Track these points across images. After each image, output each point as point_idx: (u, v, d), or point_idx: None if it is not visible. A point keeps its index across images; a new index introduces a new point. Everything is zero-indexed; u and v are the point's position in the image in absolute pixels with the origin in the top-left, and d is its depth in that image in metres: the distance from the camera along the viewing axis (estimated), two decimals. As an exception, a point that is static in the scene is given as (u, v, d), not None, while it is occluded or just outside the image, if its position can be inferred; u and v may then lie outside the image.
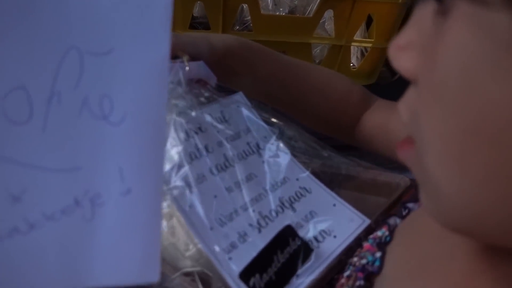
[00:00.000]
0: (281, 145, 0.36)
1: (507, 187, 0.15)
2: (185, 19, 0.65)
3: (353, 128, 0.42)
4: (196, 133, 0.32)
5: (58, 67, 0.19)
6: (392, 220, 0.31)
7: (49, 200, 0.18)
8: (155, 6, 0.22)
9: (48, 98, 0.18)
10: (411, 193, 0.32)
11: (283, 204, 0.33)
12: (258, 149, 0.35)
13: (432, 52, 0.17)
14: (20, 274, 0.17)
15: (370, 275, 0.27)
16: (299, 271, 0.29)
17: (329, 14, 0.66)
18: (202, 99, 0.35)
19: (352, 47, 0.67)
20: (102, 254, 0.19)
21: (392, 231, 0.30)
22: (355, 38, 0.65)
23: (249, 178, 0.33)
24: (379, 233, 0.30)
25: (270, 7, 0.69)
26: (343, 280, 0.29)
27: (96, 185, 0.20)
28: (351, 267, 0.29)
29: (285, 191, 0.34)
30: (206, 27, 0.69)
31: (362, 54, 0.71)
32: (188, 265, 0.32)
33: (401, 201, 0.35)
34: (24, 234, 0.18)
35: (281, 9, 0.69)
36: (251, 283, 0.27)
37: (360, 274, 0.28)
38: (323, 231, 0.31)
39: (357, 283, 0.28)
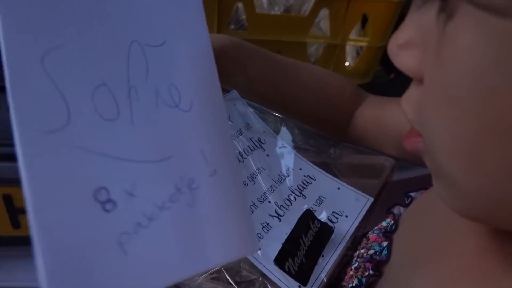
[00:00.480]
0: (283, 138, 0.38)
1: (504, 181, 0.16)
2: None
3: (347, 125, 0.44)
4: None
5: (127, 62, 0.19)
6: (396, 210, 0.32)
7: (157, 191, 0.18)
8: (189, 3, 0.23)
9: (128, 92, 0.18)
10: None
11: (293, 192, 0.35)
12: (260, 144, 0.37)
13: (438, 51, 0.16)
14: (151, 265, 0.17)
15: (378, 264, 0.28)
16: (324, 251, 0.31)
17: (324, 13, 0.66)
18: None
19: (347, 46, 0.67)
20: (210, 235, 0.19)
21: (396, 220, 0.31)
22: (351, 37, 0.66)
23: (259, 171, 0.34)
24: (384, 224, 0.32)
25: (265, 6, 0.68)
26: (351, 273, 0.30)
27: (188, 170, 0.20)
28: (358, 260, 0.30)
29: (292, 180, 0.35)
30: None
31: (358, 53, 0.71)
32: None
33: (391, 181, 0.39)
34: (147, 227, 0.17)
35: (276, 8, 0.68)
36: (286, 267, 0.29)
37: (368, 265, 0.29)
38: (335, 212, 0.34)
39: (366, 273, 0.28)
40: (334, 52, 0.67)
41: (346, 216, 0.34)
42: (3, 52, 0.15)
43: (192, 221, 0.19)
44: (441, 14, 0.16)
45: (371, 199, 0.35)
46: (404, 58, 0.19)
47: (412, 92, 0.20)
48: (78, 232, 0.15)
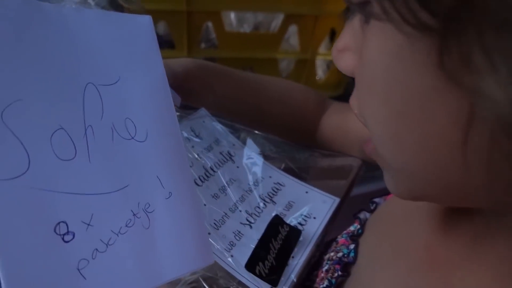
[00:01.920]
0: (250, 149, 0.40)
1: (434, 156, 0.18)
2: None
3: (314, 133, 0.46)
4: (176, 150, 0.35)
5: (83, 103, 0.21)
6: (362, 215, 0.35)
7: (114, 218, 0.21)
8: (142, 32, 0.25)
9: (84, 132, 0.20)
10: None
11: (264, 200, 0.37)
12: (230, 157, 0.39)
13: (362, 53, 0.19)
14: (109, 285, 0.19)
15: (346, 266, 0.30)
16: (293, 253, 0.33)
17: (293, 29, 0.68)
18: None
19: (317, 60, 0.69)
20: (166, 251, 0.22)
21: (363, 224, 0.34)
22: (320, 51, 0.68)
23: (229, 183, 0.37)
24: (351, 228, 0.34)
25: (234, 24, 0.70)
26: (322, 275, 0.32)
27: (144, 196, 0.22)
28: (329, 262, 0.32)
29: (262, 188, 0.38)
30: (171, 45, 0.68)
31: (328, 66, 0.73)
32: (188, 275, 0.35)
33: (357, 180, 0.41)
34: (104, 252, 0.19)
35: (245, 25, 0.70)
36: (257, 271, 0.31)
37: (337, 266, 0.31)
38: (304, 215, 0.36)
39: (335, 274, 0.31)
40: (305, 67, 0.69)
41: (314, 218, 0.36)
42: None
43: (147, 241, 0.21)
44: (362, 21, 0.19)
45: (337, 200, 0.37)
46: (342, 61, 0.22)
47: (354, 91, 0.23)
48: (40, 263, 0.18)
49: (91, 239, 0.19)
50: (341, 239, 0.34)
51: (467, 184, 0.18)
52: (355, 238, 0.32)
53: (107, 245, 0.20)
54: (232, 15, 0.70)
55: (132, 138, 0.23)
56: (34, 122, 0.19)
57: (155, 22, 0.69)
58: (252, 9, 0.67)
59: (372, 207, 0.35)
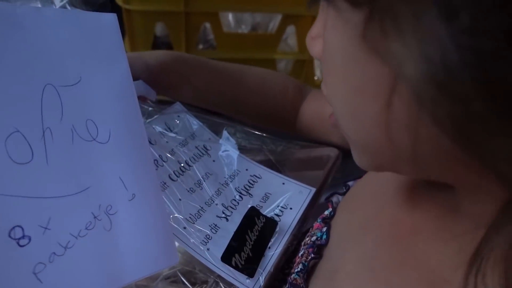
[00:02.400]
0: (225, 142, 0.40)
1: (374, 128, 0.19)
2: (148, 40, 0.64)
3: (294, 121, 0.46)
4: (149, 146, 0.35)
5: (41, 105, 0.20)
6: (335, 198, 0.35)
7: (73, 221, 0.20)
8: (105, 31, 0.25)
9: (42, 134, 0.20)
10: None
11: (240, 193, 0.37)
12: (206, 150, 0.39)
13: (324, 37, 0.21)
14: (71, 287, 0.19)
15: (319, 248, 0.31)
16: (270, 244, 0.33)
17: (291, 29, 0.68)
18: (145, 114, 0.37)
19: (315, 60, 0.69)
20: (129, 252, 0.22)
21: (335, 208, 0.34)
22: None
23: (205, 177, 0.37)
24: (326, 212, 0.34)
25: (232, 25, 0.70)
26: (298, 260, 0.32)
27: (106, 197, 0.22)
28: (304, 247, 0.33)
29: (239, 181, 0.38)
30: (169, 46, 0.68)
31: None
32: (166, 270, 0.35)
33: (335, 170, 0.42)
34: (62, 255, 0.19)
35: (243, 26, 0.70)
36: (233, 263, 0.31)
37: (310, 250, 0.31)
38: (281, 206, 0.36)
39: (309, 257, 0.31)
40: (303, 67, 0.70)
41: (291, 209, 0.36)
42: None
43: (109, 243, 0.21)
44: (325, 7, 0.20)
45: (313, 190, 0.37)
46: (313, 47, 0.24)
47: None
48: None
49: (48, 243, 0.19)
50: (316, 224, 0.34)
51: (397, 155, 0.19)
52: (327, 221, 0.33)
53: (65, 248, 0.20)
54: (230, 16, 0.71)
55: (94, 139, 0.22)
56: None
57: (154, 23, 0.68)
58: (250, 10, 0.67)
59: (344, 190, 0.35)
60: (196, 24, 0.63)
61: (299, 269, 0.31)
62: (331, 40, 0.20)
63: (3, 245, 0.18)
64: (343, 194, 0.35)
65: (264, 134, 0.42)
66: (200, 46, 0.70)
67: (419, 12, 0.13)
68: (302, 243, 0.34)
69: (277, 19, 0.67)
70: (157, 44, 0.70)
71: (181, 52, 0.40)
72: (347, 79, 0.19)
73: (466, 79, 0.13)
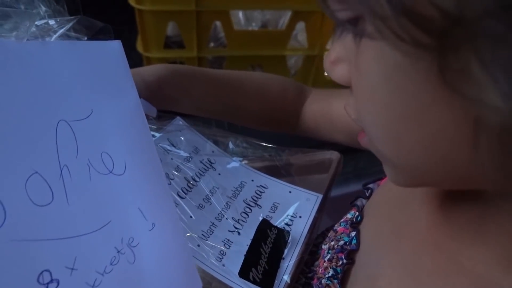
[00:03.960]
0: (229, 154, 0.40)
1: (439, 152, 0.19)
2: (159, 40, 0.65)
3: (296, 122, 0.46)
4: (155, 165, 0.34)
5: (56, 143, 0.20)
6: (359, 202, 0.35)
7: (98, 258, 0.20)
8: (112, 59, 0.24)
9: (60, 173, 0.20)
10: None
11: (248, 204, 0.37)
12: (211, 164, 0.39)
13: (356, 63, 0.20)
14: None
15: (350, 253, 0.31)
16: (284, 255, 0.33)
17: (300, 26, 0.68)
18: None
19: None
20: (154, 283, 0.21)
21: (361, 211, 0.34)
22: (328, 47, 0.68)
23: (213, 191, 0.37)
24: (349, 216, 0.35)
25: (242, 23, 0.70)
26: (325, 264, 0.32)
27: (127, 230, 0.21)
28: (330, 252, 0.33)
29: (246, 193, 0.38)
30: (180, 45, 0.68)
31: None
32: None
33: (340, 172, 0.42)
34: None
35: (253, 23, 0.70)
36: (250, 277, 0.31)
37: (340, 254, 0.31)
38: (290, 216, 0.36)
39: (340, 262, 0.31)
40: (313, 63, 0.70)
41: (300, 217, 0.36)
42: None
43: (134, 276, 0.21)
44: (355, 36, 0.20)
45: (320, 196, 0.38)
46: (336, 72, 0.23)
47: (350, 98, 0.24)
48: None
49: (77, 284, 0.19)
50: (339, 228, 0.34)
51: (471, 173, 0.19)
52: (355, 225, 0.33)
53: (93, 286, 0.19)
54: (240, 14, 0.71)
55: (110, 172, 0.22)
56: (6, 170, 0.18)
57: (166, 22, 0.69)
58: (260, 7, 0.67)
59: (367, 193, 0.35)
60: (207, 23, 0.63)
61: (330, 274, 0.31)
62: (372, 71, 0.19)
63: None
64: (367, 198, 0.35)
65: (266, 144, 0.42)
66: (211, 44, 0.71)
67: (500, 41, 0.13)
68: (325, 247, 0.34)
69: (286, 16, 0.68)
70: (168, 43, 0.71)
71: (173, 64, 0.40)
72: (392, 107, 0.19)
73: None
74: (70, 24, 0.27)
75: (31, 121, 0.20)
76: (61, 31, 0.27)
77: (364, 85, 0.20)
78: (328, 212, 0.36)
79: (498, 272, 0.21)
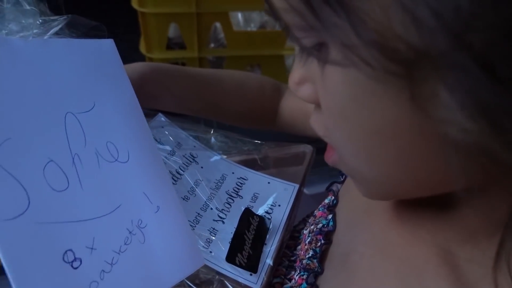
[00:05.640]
0: (210, 148, 0.42)
1: (410, 164, 0.20)
2: (161, 41, 0.67)
3: (274, 117, 0.48)
4: (142, 159, 0.36)
5: (66, 134, 0.21)
6: (334, 187, 0.38)
7: (113, 239, 0.22)
8: (107, 55, 0.26)
9: (72, 161, 0.21)
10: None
11: (231, 195, 0.39)
12: (193, 158, 0.40)
13: (323, 84, 0.21)
14: None
15: (327, 234, 0.33)
16: (266, 240, 0.36)
17: None
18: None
19: None
20: (162, 261, 0.23)
21: (336, 195, 0.37)
22: None
23: (196, 184, 0.38)
24: (326, 201, 0.37)
25: (241, 24, 0.73)
26: (306, 247, 0.35)
27: (136, 213, 0.23)
28: (310, 235, 0.35)
29: (228, 185, 0.40)
30: (181, 46, 0.70)
31: None
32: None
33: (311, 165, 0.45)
34: (110, 272, 0.21)
35: (252, 24, 0.73)
36: (237, 261, 0.33)
37: (319, 236, 0.34)
38: (270, 204, 0.39)
39: (319, 243, 0.33)
40: None
41: (279, 206, 0.39)
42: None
43: (145, 254, 0.23)
44: (320, 61, 0.21)
45: (297, 186, 0.41)
46: (301, 92, 0.24)
47: (316, 115, 0.25)
48: None
49: (97, 262, 0.21)
50: (318, 212, 0.37)
51: (442, 182, 0.21)
52: (331, 208, 0.36)
53: (111, 264, 0.21)
54: (239, 15, 0.74)
55: (116, 160, 0.24)
56: (26, 159, 0.19)
57: (167, 24, 0.70)
58: (258, 9, 0.70)
59: (342, 179, 0.38)
60: (207, 24, 0.66)
61: (310, 255, 0.33)
62: (340, 92, 0.20)
63: (60, 269, 0.19)
64: (341, 182, 0.38)
65: (243, 138, 0.45)
66: (212, 45, 0.73)
67: (464, 71, 0.14)
68: (306, 231, 0.36)
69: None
70: (170, 45, 0.73)
71: (155, 62, 0.41)
72: (363, 124, 0.20)
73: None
74: (63, 22, 0.28)
75: (43, 114, 0.21)
76: (54, 29, 0.28)
77: (333, 104, 0.21)
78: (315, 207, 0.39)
79: (455, 243, 0.24)
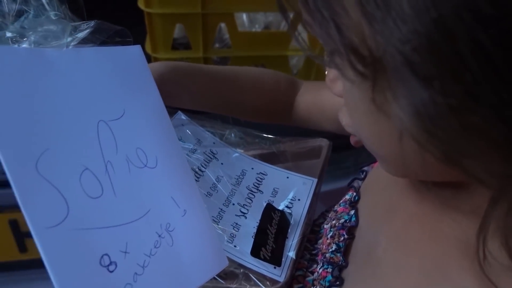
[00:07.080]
0: (229, 145, 0.43)
1: (407, 154, 0.23)
2: (167, 42, 0.68)
3: (290, 112, 0.49)
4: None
5: (99, 142, 0.22)
6: (355, 183, 0.39)
7: (144, 242, 0.23)
8: (134, 62, 0.27)
9: (105, 168, 0.22)
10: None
11: (251, 191, 0.40)
12: (213, 155, 0.41)
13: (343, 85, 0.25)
14: None
15: (350, 229, 0.34)
16: (288, 234, 0.37)
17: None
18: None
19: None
20: (190, 262, 0.25)
21: (357, 191, 0.38)
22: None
23: (218, 180, 0.40)
24: (347, 196, 0.38)
25: (246, 24, 0.73)
26: (328, 241, 0.36)
27: (164, 217, 0.24)
28: (333, 229, 0.36)
29: (248, 180, 0.41)
30: (187, 47, 0.71)
31: None
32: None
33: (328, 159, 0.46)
34: (142, 274, 0.22)
35: (256, 25, 0.74)
36: (261, 255, 0.34)
37: (342, 231, 0.35)
38: (290, 199, 0.40)
39: (342, 238, 0.34)
40: (314, 63, 0.74)
41: (299, 200, 0.40)
42: (6, 171, 0.18)
43: (174, 257, 0.24)
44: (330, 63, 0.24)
45: (315, 180, 0.41)
46: (334, 88, 0.29)
47: (344, 107, 0.29)
48: None
49: (131, 265, 0.22)
50: (339, 208, 0.38)
51: (409, 168, 0.25)
52: (353, 204, 0.37)
53: (143, 267, 0.22)
54: (244, 16, 0.75)
55: (145, 166, 0.25)
56: (64, 168, 0.20)
57: (173, 25, 0.71)
58: (263, 10, 0.70)
59: (362, 175, 0.39)
60: (213, 25, 0.67)
61: (333, 249, 0.35)
62: (346, 89, 0.24)
63: (97, 273, 0.20)
64: (362, 179, 0.39)
65: (260, 134, 0.45)
66: (217, 45, 0.74)
67: (407, 82, 0.18)
68: (327, 226, 0.37)
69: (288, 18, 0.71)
70: (175, 45, 0.74)
71: (172, 61, 0.42)
72: (368, 121, 0.24)
73: (444, 125, 0.18)
74: (90, 29, 0.29)
75: (77, 123, 0.22)
76: (81, 34, 0.28)
77: (351, 102, 0.25)
78: (330, 204, 0.40)
79: (474, 236, 0.25)
